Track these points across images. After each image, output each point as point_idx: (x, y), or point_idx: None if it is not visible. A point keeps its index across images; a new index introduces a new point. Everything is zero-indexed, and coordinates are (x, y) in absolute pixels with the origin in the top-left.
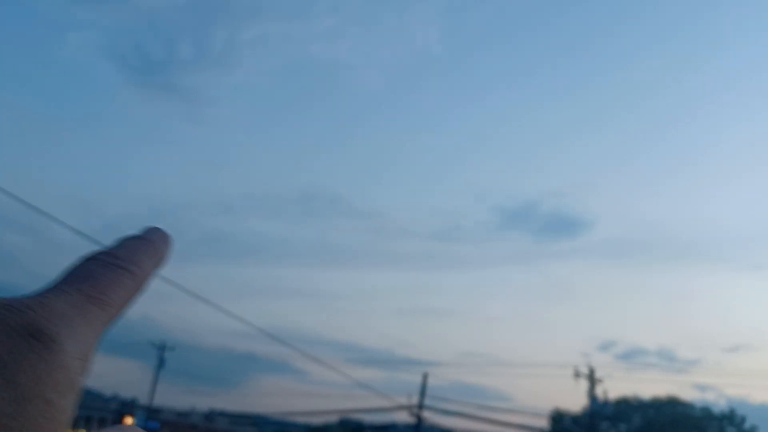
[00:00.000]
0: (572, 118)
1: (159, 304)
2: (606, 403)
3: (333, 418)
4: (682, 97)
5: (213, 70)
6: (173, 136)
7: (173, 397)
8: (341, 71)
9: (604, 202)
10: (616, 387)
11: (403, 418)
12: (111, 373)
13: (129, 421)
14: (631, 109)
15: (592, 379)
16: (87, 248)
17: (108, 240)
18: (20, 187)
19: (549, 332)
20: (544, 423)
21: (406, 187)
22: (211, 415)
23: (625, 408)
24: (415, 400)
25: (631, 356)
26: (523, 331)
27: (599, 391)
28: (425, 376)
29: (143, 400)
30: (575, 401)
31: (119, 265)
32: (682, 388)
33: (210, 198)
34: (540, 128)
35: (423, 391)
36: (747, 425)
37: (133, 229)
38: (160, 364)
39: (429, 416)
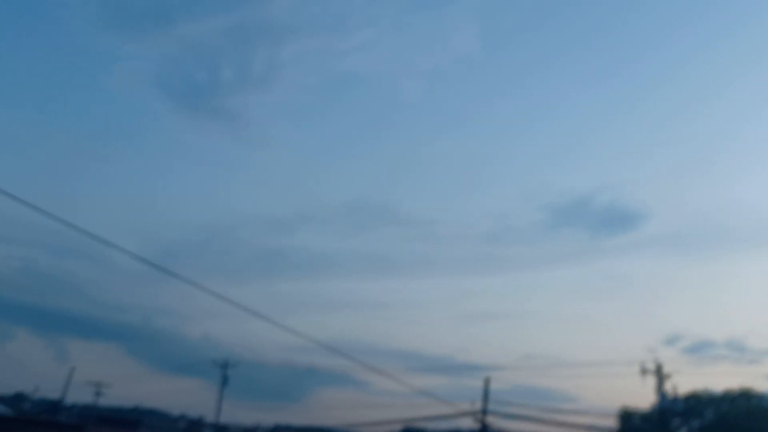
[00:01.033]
0: (613, 109)
1: (218, 323)
2: (676, 399)
3: (396, 428)
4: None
5: (255, 91)
6: (221, 158)
7: (238, 413)
8: (379, 81)
9: (658, 194)
10: (685, 382)
11: (467, 424)
12: (177, 393)
13: None
14: (670, 92)
15: (660, 375)
16: (146, 274)
17: (167, 264)
18: (80, 216)
19: (612, 329)
20: (612, 422)
21: (453, 192)
22: (276, 430)
23: (696, 403)
24: (478, 405)
25: (699, 349)
26: (585, 329)
27: (668, 387)
28: (487, 381)
29: (209, 417)
30: (643, 399)
31: None
32: (756, 379)
33: (261, 216)
34: (585, 123)
35: (486, 396)
36: None
37: (188, 253)
38: (224, 381)
39: (493, 421)
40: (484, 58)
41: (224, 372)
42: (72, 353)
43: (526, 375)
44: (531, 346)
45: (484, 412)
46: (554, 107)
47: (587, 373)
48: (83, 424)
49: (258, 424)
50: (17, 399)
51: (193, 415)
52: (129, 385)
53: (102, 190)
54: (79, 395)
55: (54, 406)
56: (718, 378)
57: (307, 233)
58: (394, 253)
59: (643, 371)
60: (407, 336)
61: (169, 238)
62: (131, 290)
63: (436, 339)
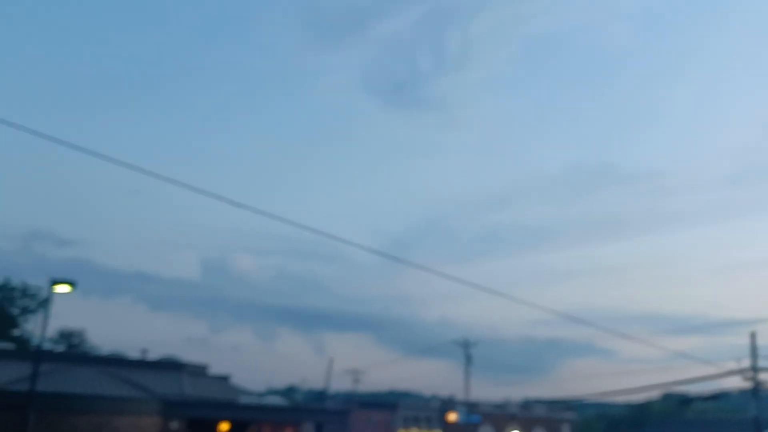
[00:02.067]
0: None
1: (453, 305)
2: None
3: (654, 394)
4: None
5: (453, 74)
6: (430, 146)
7: (487, 390)
8: (578, 35)
9: None
10: None
11: (735, 384)
12: (426, 375)
13: (452, 416)
14: None
15: None
16: (380, 266)
17: (397, 254)
18: (317, 221)
19: None
20: None
21: (680, 137)
22: (527, 404)
23: None
24: (746, 363)
25: None
26: None
27: None
28: (753, 336)
29: (459, 396)
30: None
31: None
32: None
33: (476, 196)
34: None
35: (754, 352)
36: None
37: (415, 241)
38: (468, 360)
39: (767, 379)
40: None
41: (466, 351)
42: (328, 346)
43: None
44: None
45: (755, 369)
46: None
47: None
48: (348, 410)
49: (507, 400)
50: (290, 391)
51: (444, 395)
52: (382, 371)
53: (331, 193)
54: (340, 384)
55: (320, 395)
56: None
57: (524, 206)
58: (621, 212)
59: None
60: (648, 298)
61: (396, 229)
62: (369, 283)
63: (685, 297)
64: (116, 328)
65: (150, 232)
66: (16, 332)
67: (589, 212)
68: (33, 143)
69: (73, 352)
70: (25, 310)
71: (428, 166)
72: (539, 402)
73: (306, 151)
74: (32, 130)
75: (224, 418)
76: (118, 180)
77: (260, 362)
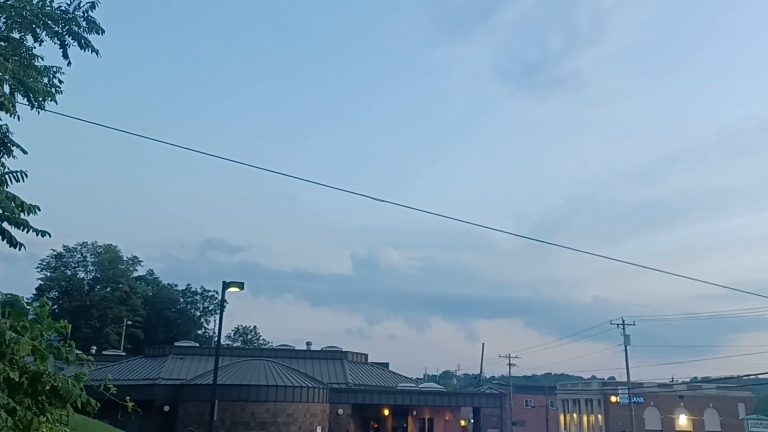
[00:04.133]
0: None
1: (605, 285)
2: None
3: None
4: None
5: (586, 49)
6: (566, 125)
7: (649, 370)
8: None
9: None
10: None
11: None
12: (584, 357)
13: (614, 398)
14: None
15: None
16: (524, 250)
17: (541, 236)
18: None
19: None
20: None
21: None
22: (695, 383)
23: None
24: None
25: None
26: None
27: None
28: None
29: (620, 377)
30: None
31: None
32: None
33: (622, 171)
34: None
35: None
36: None
37: (559, 223)
38: (626, 340)
39: None
40: None
41: (624, 331)
42: (480, 332)
43: None
44: None
45: None
46: None
47: None
48: (504, 394)
49: (672, 380)
50: (445, 376)
51: (604, 377)
52: (536, 355)
53: (470, 183)
54: (494, 369)
55: (476, 380)
56: None
57: (679, 176)
58: None
59: None
60: None
61: (538, 211)
62: (516, 268)
63: None
64: (283, 324)
65: (306, 233)
66: (199, 332)
67: (756, 176)
68: (197, 160)
69: (248, 346)
70: (205, 312)
71: (566, 146)
72: (708, 381)
73: (442, 143)
74: (194, 149)
75: (386, 403)
76: (274, 187)
77: (415, 350)
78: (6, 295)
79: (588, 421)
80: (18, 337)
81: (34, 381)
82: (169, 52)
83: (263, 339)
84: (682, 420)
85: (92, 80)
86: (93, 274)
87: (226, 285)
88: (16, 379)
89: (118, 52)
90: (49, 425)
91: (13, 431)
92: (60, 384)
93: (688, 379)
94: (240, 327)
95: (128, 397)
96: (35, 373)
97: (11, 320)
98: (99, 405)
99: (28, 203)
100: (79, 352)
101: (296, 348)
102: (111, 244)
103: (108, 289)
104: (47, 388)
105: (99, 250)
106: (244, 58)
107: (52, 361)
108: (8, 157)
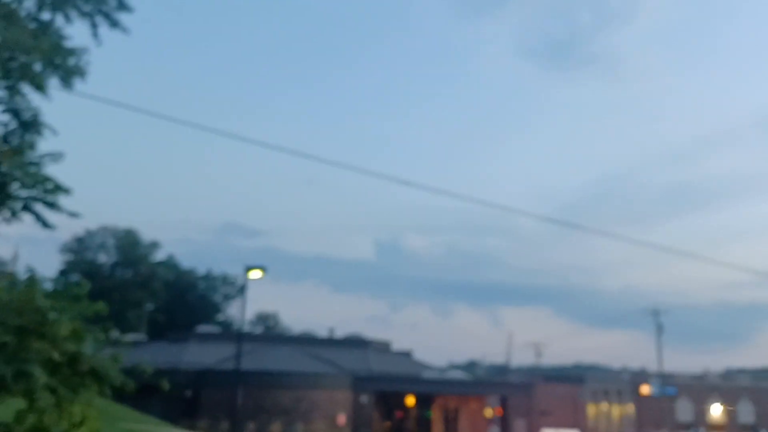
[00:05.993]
0: None
1: (636, 272)
2: None
3: None
4: None
5: (617, 26)
6: (597, 105)
7: (682, 360)
8: None
9: None
10: None
11: None
12: (614, 347)
13: (645, 389)
14: None
15: None
16: (552, 236)
17: (574, 220)
18: (486, 194)
19: None
20: None
21: None
22: (729, 374)
23: None
24: None
25: None
26: None
27: None
28: None
29: (651, 368)
30: None
31: None
32: None
33: (655, 153)
34: None
35: None
36: None
37: (587, 206)
38: (659, 329)
39: None
40: None
41: (656, 320)
42: (506, 320)
43: None
44: None
45: None
46: None
47: None
48: (532, 383)
49: (706, 371)
50: (470, 365)
51: (635, 367)
52: (564, 344)
53: (496, 165)
54: (521, 357)
55: (502, 369)
56: None
57: (713, 158)
58: None
59: None
60: None
61: (566, 195)
62: (543, 254)
63: None
64: (304, 309)
65: (327, 217)
66: (220, 317)
67: None
68: (215, 141)
69: (270, 333)
70: (227, 297)
71: (596, 127)
72: (743, 371)
73: (467, 124)
74: (214, 129)
75: (410, 392)
76: (293, 170)
77: (439, 338)
78: (54, 279)
79: (618, 413)
80: (60, 317)
81: (73, 361)
82: (191, 29)
83: (285, 325)
84: (716, 411)
85: (110, 59)
86: (114, 258)
87: (247, 269)
88: (58, 360)
89: (133, 33)
90: (81, 407)
91: (54, 410)
92: (99, 365)
93: (722, 370)
94: (262, 313)
95: (165, 379)
96: (75, 353)
97: (53, 301)
98: (136, 386)
99: (62, 186)
100: (116, 333)
101: (318, 335)
102: (131, 229)
103: (129, 274)
104: (86, 368)
105: (119, 234)
106: (266, 39)
107: (91, 341)
108: (39, 136)
